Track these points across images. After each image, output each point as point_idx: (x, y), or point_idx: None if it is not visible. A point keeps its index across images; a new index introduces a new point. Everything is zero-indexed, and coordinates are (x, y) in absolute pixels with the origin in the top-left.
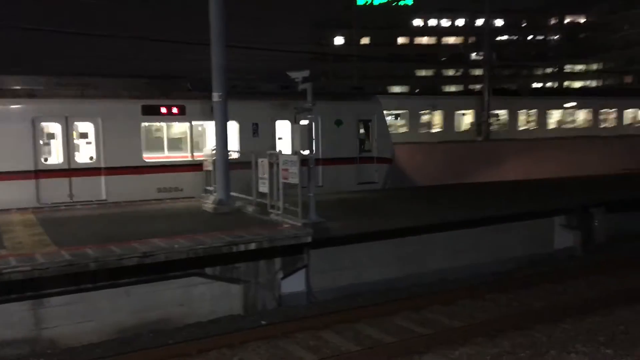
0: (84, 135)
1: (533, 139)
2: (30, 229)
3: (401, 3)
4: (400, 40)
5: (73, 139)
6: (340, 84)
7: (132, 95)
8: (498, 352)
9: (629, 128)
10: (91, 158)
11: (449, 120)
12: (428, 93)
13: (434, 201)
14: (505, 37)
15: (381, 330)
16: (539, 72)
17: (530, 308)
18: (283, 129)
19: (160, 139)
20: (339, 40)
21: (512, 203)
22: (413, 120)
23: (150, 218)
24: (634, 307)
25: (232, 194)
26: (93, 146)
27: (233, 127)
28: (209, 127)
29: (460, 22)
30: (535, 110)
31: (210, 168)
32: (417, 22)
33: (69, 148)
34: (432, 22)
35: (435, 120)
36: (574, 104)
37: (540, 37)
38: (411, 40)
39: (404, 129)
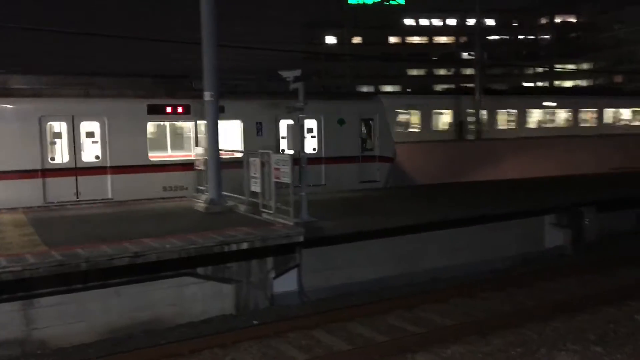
0: (90, 135)
1: (514, 138)
2: (21, 229)
3: (393, 2)
4: (392, 39)
5: (79, 138)
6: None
7: (137, 94)
8: (490, 350)
9: (610, 127)
10: (97, 157)
11: (426, 120)
12: (419, 92)
13: (429, 200)
14: (496, 37)
15: (373, 329)
16: (530, 71)
17: (522, 306)
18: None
19: (166, 138)
20: (331, 40)
21: (503, 202)
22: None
23: (142, 218)
24: (624, 305)
25: (224, 193)
26: (99, 145)
27: (237, 127)
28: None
29: (451, 21)
30: (515, 110)
31: (201, 167)
32: (409, 21)
33: (75, 147)
34: (424, 21)
35: (413, 119)
36: (554, 103)
37: (531, 37)
38: (403, 40)
39: None
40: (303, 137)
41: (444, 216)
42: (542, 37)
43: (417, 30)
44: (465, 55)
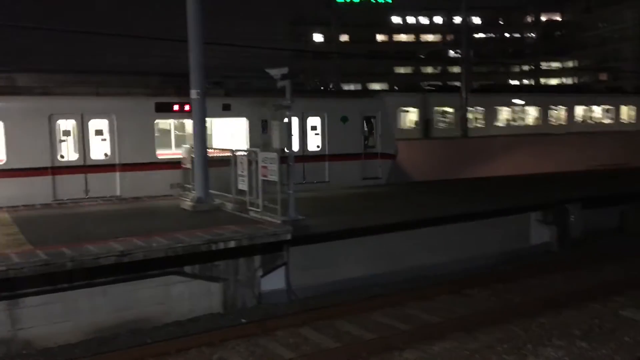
0: (99, 132)
1: (481, 136)
2: (5, 229)
3: (380, 0)
4: (379, 37)
5: (89, 135)
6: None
7: (145, 92)
8: (476, 347)
9: (581, 125)
10: (106, 155)
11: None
12: (407, 90)
13: (413, 198)
14: (482, 35)
15: (361, 326)
16: (516, 69)
17: (508, 303)
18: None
19: (173, 136)
20: (318, 38)
21: (487, 199)
22: None
23: (128, 216)
24: (609, 301)
25: (211, 191)
26: (108, 143)
27: (242, 124)
28: (220, 124)
29: (438, 19)
30: (483, 108)
31: (188, 166)
32: (396, 19)
33: (85, 145)
34: (411, 19)
35: None
36: (522, 102)
37: (517, 35)
38: (390, 38)
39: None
40: (291, 135)
41: (428, 214)
42: (528, 35)
43: (404, 28)
44: (452, 53)
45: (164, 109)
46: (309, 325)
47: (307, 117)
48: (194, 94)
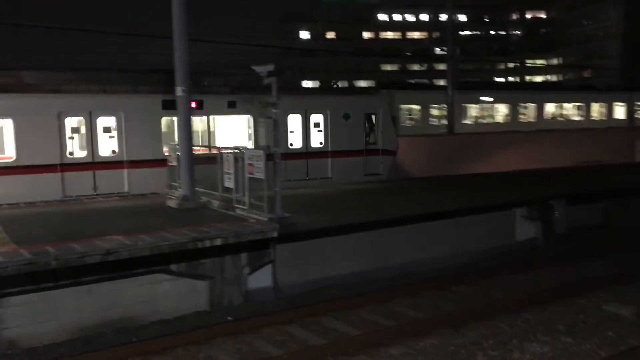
0: (107, 130)
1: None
2: None
3: None
4: (366, 35)
5: (97, 132)
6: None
7: (152, 90)
8: (462, 343)
9: (551, 123)
10: (114, 151)
11: None
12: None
13: (403, 195)
14: (468, 32)
15: (348, 323)
16: (502, 66)
17: (493, 299)
18: (294, 123)
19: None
20: (305, 35)
21: (471, 195)
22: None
23: (113, 215)
24: (593, 296)
25: (198, 189)
26: (115, 140)
27: (246, 121)
28: (225, 121)
29: (424, 17)
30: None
31: (174, 163)
32: (382, 17)
33: (93, 142)
34: (397, 17)
35: None
36: (491, 99)
37: (502, 33)
38: (376, 35)
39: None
40: (277, 133)
41: (415, 211)
42: (513, 32)
43: (391, 25)
44: (438, 50)
45: (171, 106)
46: (295, 322)
47: (310, 115)
48: (179, 90)
